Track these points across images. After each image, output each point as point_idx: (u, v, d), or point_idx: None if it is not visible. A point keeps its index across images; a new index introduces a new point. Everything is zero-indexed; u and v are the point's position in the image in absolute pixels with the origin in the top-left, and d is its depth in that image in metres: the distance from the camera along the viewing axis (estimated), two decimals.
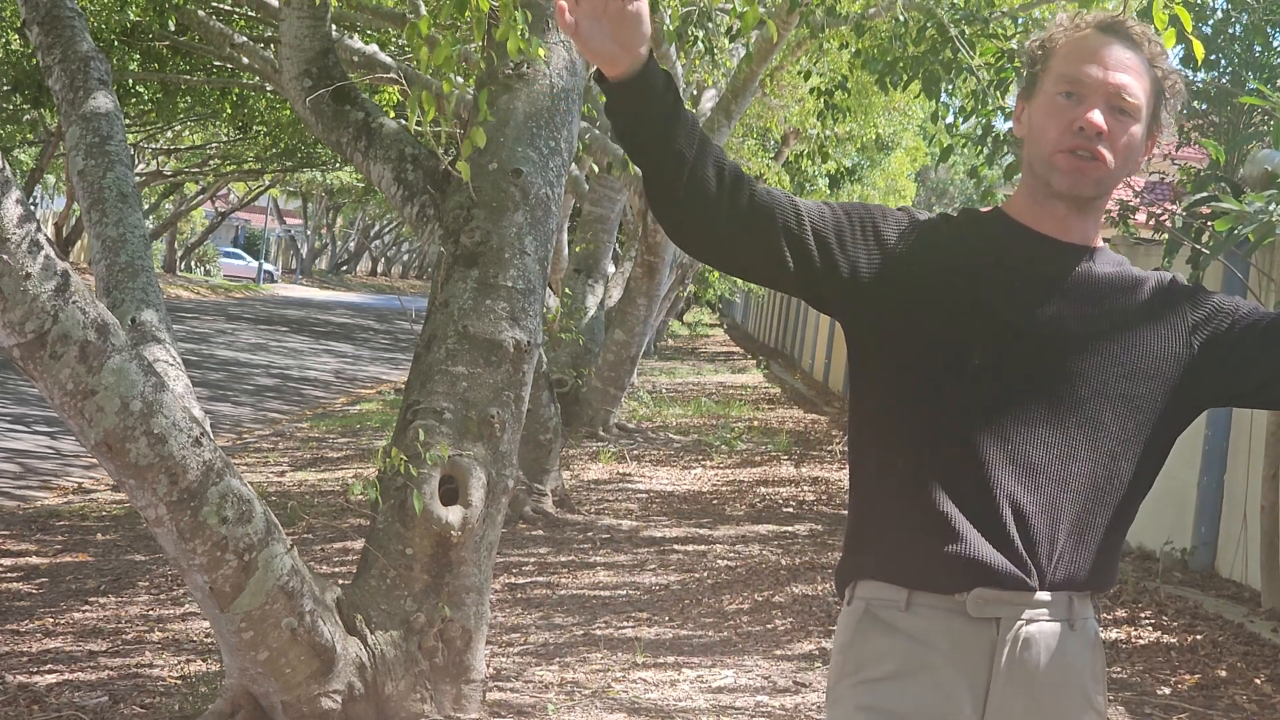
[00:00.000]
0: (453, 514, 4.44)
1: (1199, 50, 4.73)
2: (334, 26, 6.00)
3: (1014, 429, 1.96)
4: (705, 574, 7.46)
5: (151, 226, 34.24)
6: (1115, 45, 2.02)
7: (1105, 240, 2.17)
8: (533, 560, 7.68)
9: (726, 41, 10.23)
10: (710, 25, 9.18)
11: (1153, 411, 2.01)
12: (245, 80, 14.17)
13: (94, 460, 5.48)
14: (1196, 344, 2.03)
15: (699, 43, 9.00)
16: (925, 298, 2.00)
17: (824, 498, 10.51)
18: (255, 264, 53.16)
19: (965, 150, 9.60)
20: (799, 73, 13.85)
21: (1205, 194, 6.26)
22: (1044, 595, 1.95)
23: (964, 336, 1.98)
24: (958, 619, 1.94)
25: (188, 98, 17.58)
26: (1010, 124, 6.01)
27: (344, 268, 66.53)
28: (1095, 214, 2.06)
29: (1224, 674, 5.84)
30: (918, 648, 1.95)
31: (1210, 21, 8.64)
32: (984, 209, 2.12)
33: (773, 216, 1.96)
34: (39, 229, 3.44)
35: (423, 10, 4.80)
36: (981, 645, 1.94)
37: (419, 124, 4.56)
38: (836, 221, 2.01)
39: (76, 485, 9.78)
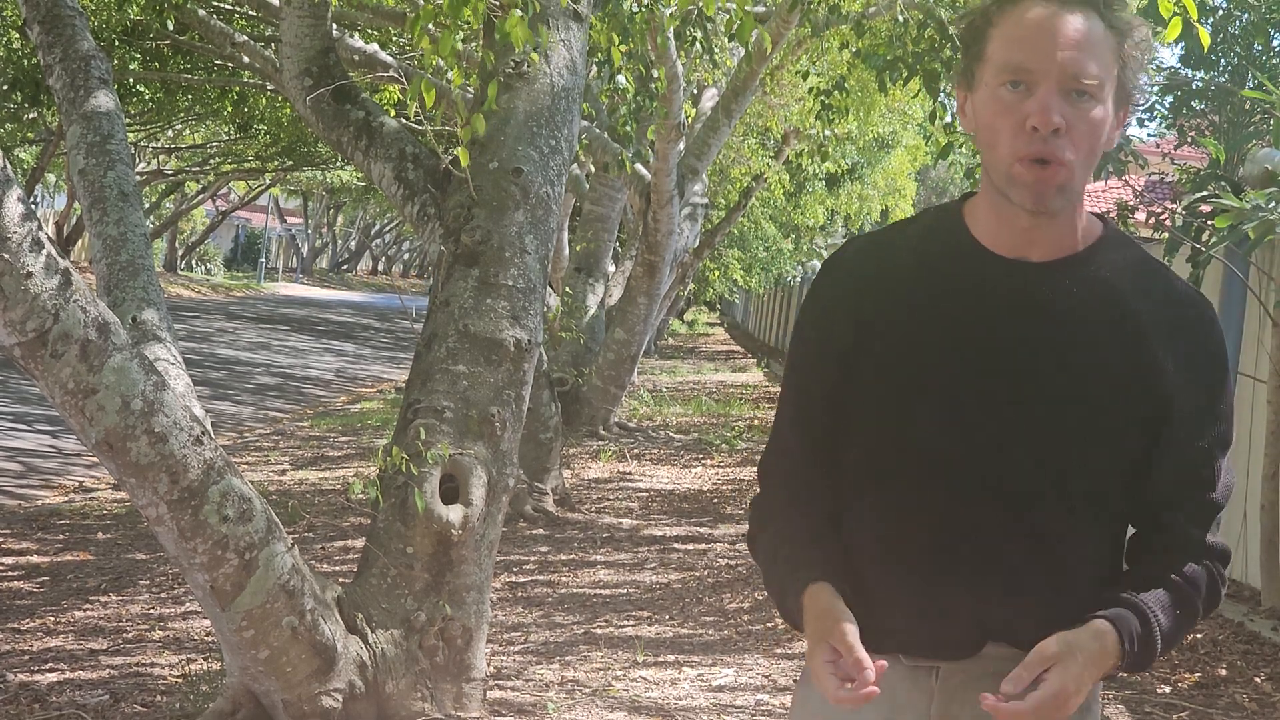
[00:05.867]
0: (453, 513, 4.45)
1: (1205, 38, 4.69)
2: (334, 25, 6.00)
3: (968, 490, 1.78)
4: (706, 573, 7.47)
5: (152, 225, 34.24)
6: (1058, 12, 1.71)
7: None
8: (533, 559, 7.68)
9: (726, 41, 10.24)
10: (710, 25, 9.18)
11: (1129, 454, 1.81)
12: (246, 79, 14.17)
13: (95, 459, 5.49)
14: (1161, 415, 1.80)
15: (698, 43, 9.00)
16: (875, 357, 1.82)
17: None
18: None
19: (964, 149, 9.60)
20: (798, 72, 13.85)
21: (1205, 193, 6.27)
22: (993, 648, 1.82)
23: (912, 396, 1.80)
24: (894, 665, 1.83)
25: (188, 97, 17.58)
26: None
27: (345, 266, 66.52)
28: (1069, 214, 1.79)
29: (1224, 672, 5.84)
30: None
31: (1210, 20, 8.64)
32: (948, 212, 1.86)
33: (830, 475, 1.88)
34: (40, 228, 3.44)
35: (421, 7, 4.80)
36: (920, 691, 1.85)
37: (418, 116, 4.57)
38: (811, 394, 1.89)
39: (78, 484, 9.78)
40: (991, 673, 1.81)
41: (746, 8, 5.61)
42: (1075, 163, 1.72)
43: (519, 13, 4.36)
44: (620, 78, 8.26)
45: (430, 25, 4.65)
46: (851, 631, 1.74)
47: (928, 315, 1.81)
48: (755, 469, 8.94)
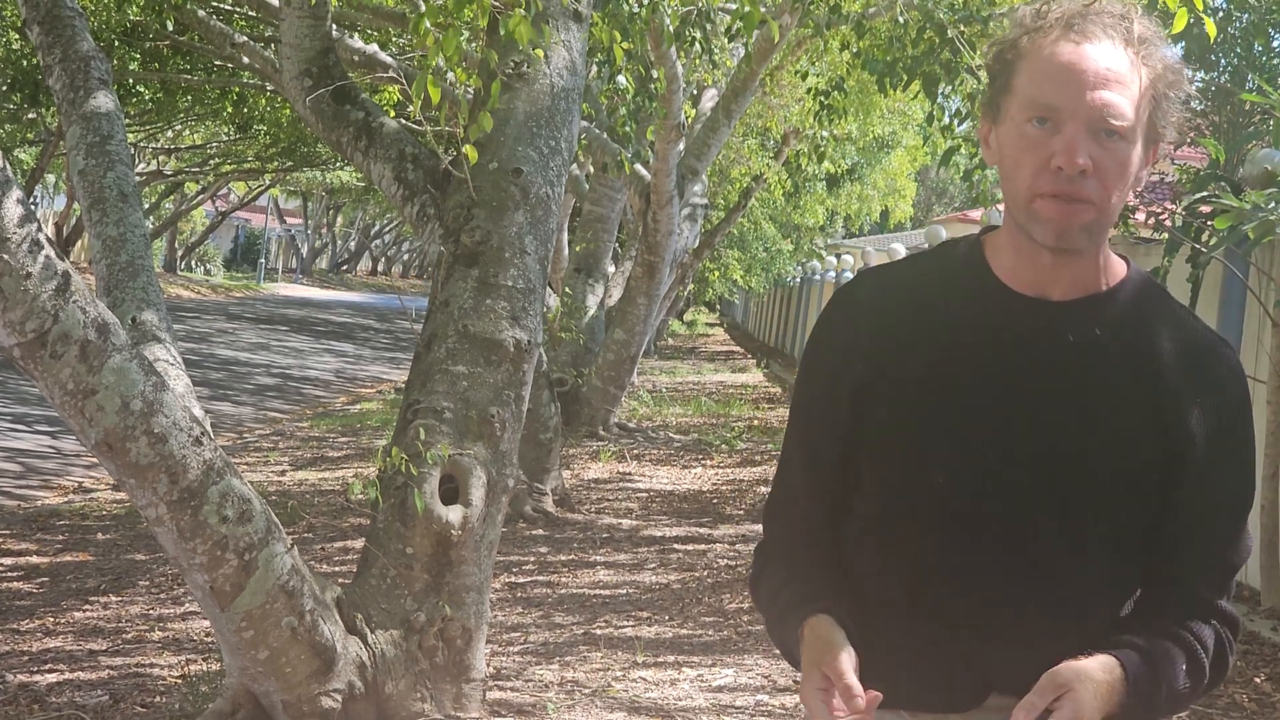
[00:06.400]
0: (453, 513, 4.45)
1: (1211, 29, 4.66)
2: (334, 26, 6.00)
3: (979, 541, 1.73)
4: (705, 573, 7.47)
5: (152, 226, 34.23)
6: (1091, 50, 1.65)
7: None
8: (533, 559, 7.68)
9: (726, 41, 10.24)
10: (709, 25, 9.18)
11: (1146, 501, 1.74)
12: (246, 79, 14.17)
13: (95, 460, 5.50)
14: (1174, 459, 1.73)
15: (697, 43, 9.01)
16: (889, 400, 1.76)
17: None
18: None
19: (963, 151, 9.60)
20: (797, 72, 13.85)
21: (1205, 193, 6.27)
22: (998, 699, 1.75)
23: (926, 443, 1.74)
24: (896, 717, 1.81)
25: (188, 97, 17.58)
26: None
27: (344, 267, 66.52)
28: (1094, 252, 1.73)
29: None
30: None
31: (1212, 19, 8.64)
32: (967, 247, 1.82)
33: (837, 514, 1.84)
34: (39, 228, 3.44)
35: (422, 7, 4.79)
36: None
37: (421, 115, 4.56)
38: (822, 436, 1.83)
39: (77, 485, 9.78)
40: None
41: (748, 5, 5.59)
42: (1102, 203, 1.66)
43: (522, 11, 4.37)
44: (620, 78, 8.26)
45: (430, 25, 4.64)
46: (845, 659, 1.68)
47: (945, 354, 1.75)
48: (755, 469, 8.98)
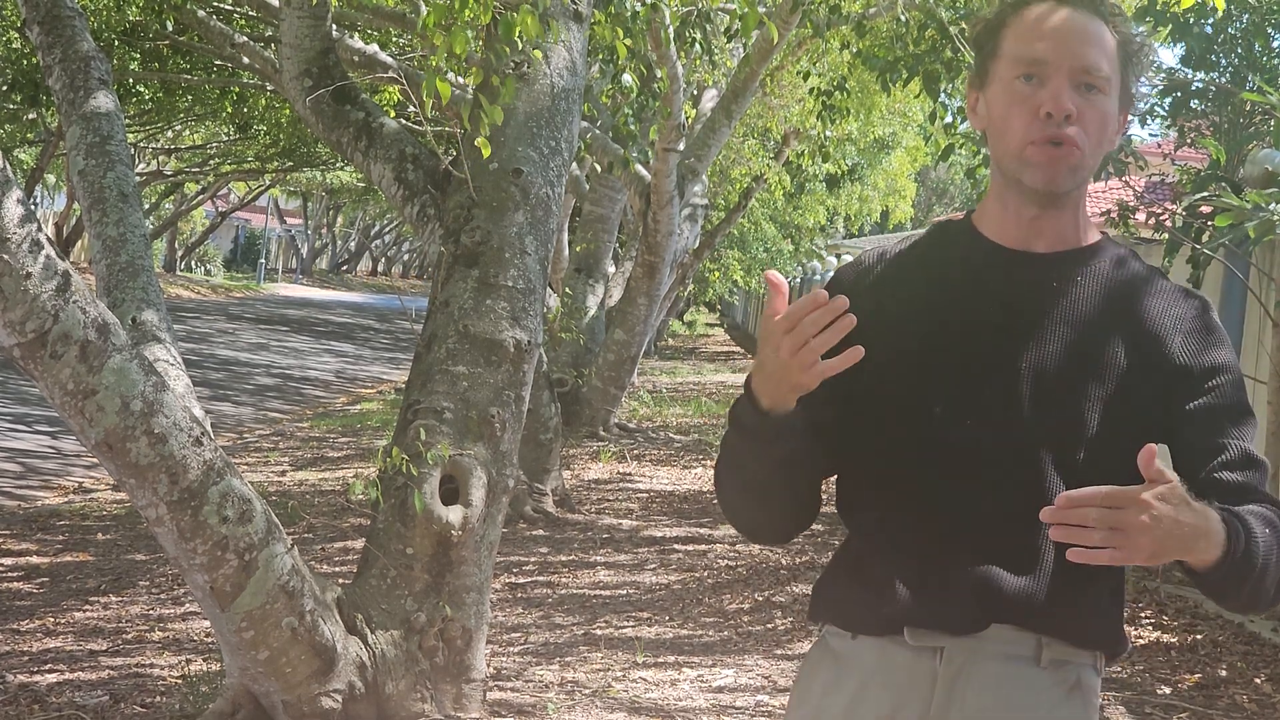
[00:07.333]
0: (453, 513, 4.45)
1: (1219, 1, 4.69)
2: (334, 26, 6.00)
3: (980, 476, 1.81)
4: (706, 573, 7.46)
5: (152, 226, 34.20)
6: (1070, 14, 1.83)
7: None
8: (533, 560, 7.68)
9: (725, 41, 10.24)
10: (709, 26, 9.18)
11: (1139, 439, 1.75)
12: (246, 79, 14.16)
13: (95, 459, 5.50)
14: (1171, 401, 1.82)
15: (696, 44, 9.01)
16: (886, 353, 1.84)
17: (824, 497, 10.51)
18: None
19: (964, 150, 9.60)
20: (798, 73, 13.84)
21: (1205, 193, 6.27)
22: (998, 630, 1.81)
23: (925, 385, 1.84)
24: (898, 648, 1.85)
25: (188, 97, 17.57)
26: None
27: (344, 267, 66.50)
28: (1073, 208, 1.88)
29: (1224, 673, 5.84)
30: (860, 676, 1.87)
31: (1210, 21, 8.63)
32: (957, 218, 1.97)
33: (814, 468, 1.90)
34: (39, 228, 3.44)
35: (423, 10, 4.77)
36: (923, 674, 1.84)
37: (417, 117, 4.57)
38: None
39: (77, 485, 9.78)
40: (997, 655, 1.82)
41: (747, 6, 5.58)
42: (1085, 145, 1.81)
43: (528, 7, 4.37)
44: (626, 77, 8.25)
45: (433, 25, 4.64)
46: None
47: (940, 303, 1.88)
48: None
